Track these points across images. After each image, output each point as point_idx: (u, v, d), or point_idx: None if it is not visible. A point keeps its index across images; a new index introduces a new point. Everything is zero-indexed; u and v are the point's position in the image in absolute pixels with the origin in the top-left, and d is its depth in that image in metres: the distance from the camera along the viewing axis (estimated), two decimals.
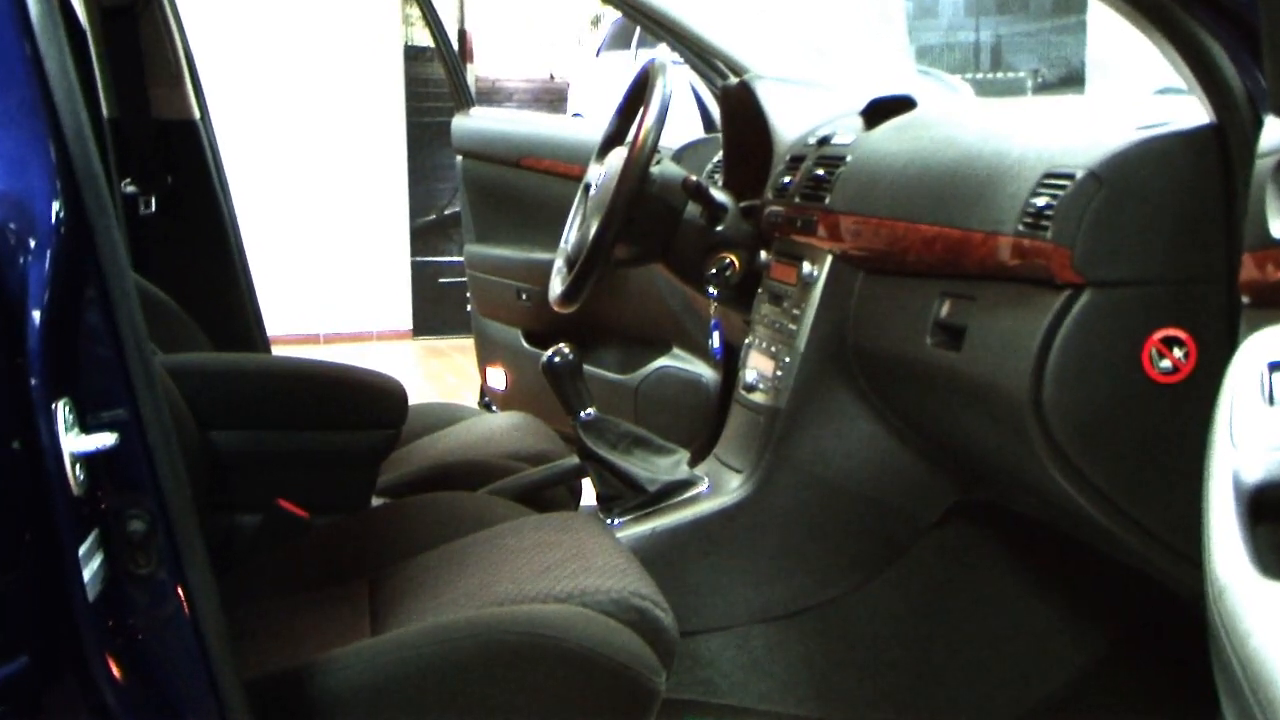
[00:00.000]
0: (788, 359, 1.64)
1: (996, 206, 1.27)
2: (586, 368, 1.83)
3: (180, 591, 0.87)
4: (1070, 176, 1.18)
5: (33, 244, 0.82)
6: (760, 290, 1.79)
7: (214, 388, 1.58)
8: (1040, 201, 1.21)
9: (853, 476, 1.61)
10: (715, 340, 1.88)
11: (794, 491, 1.62)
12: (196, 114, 2.17)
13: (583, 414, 1.68)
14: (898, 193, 1.48)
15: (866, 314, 1.56)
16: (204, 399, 1.53)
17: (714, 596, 1.61)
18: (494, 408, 2.71)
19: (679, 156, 2.31)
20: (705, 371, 2.30)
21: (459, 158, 2.70)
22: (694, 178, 1.80)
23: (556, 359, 1.69)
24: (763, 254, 1.79)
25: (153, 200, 2.13)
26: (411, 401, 1.75)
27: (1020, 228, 1.23)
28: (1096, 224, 1.17)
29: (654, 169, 1.76)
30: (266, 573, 1.42)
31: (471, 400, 3.26)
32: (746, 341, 1.78)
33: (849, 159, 1.61)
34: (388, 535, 1.44)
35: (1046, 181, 1.21)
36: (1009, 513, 1.59)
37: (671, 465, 1.72)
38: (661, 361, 2.39)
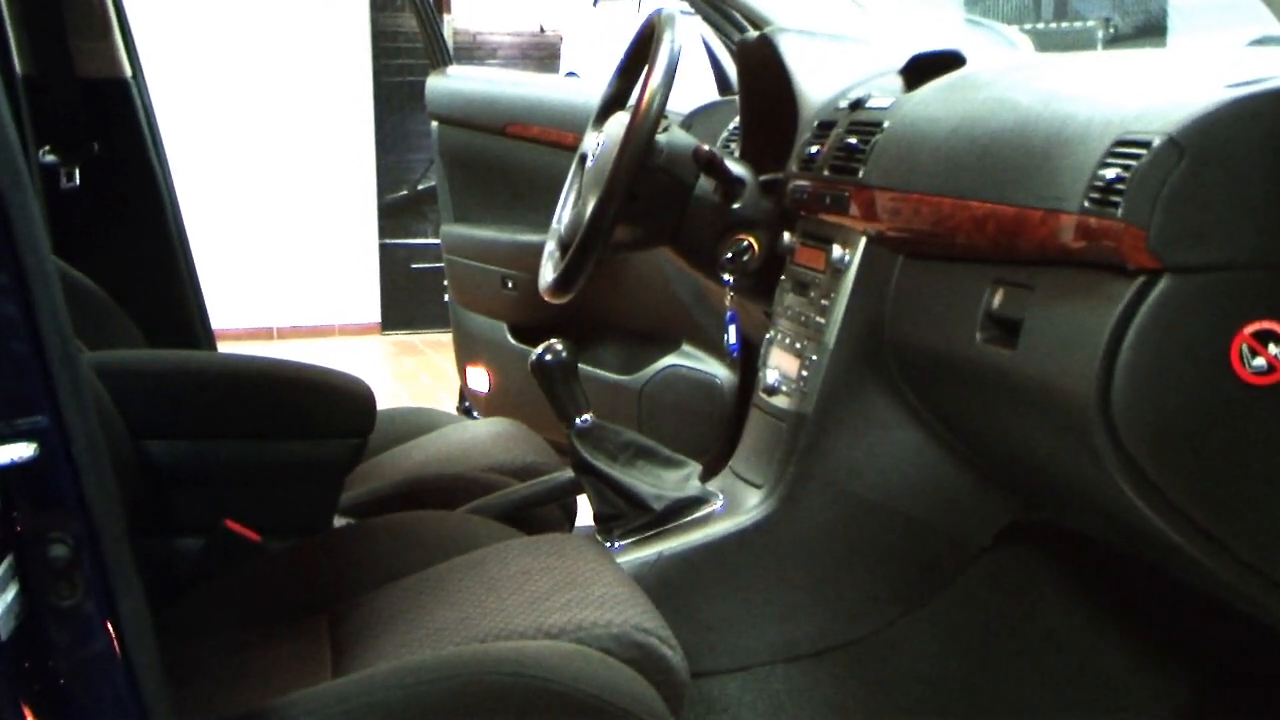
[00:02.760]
0: (815, 357, 1.64)
1: (1059, 180, 1.27)
2: (583, 367, 1.83)
3: (110, 627, 0.87)
4: (1146, 144, 1.18)
5: None
6: (783, 278, 1.78)
7: (150, 391, 1.58)
8: (1110, 173, 1.20)
9: (890, 493, 1.61)
10: (731, 335, 1.88)
11: (822, 510, 1.61)
12: (128, 71, 2.17)
13: (578, 420, 1.69)
14: (943, 164, 1.47)
15: (906, 305, 1.55)
16: (139, 404, 1.53)
17: (730, 632, 1.61)
18: (475, 413, 2.72)
19: (690, 123, 2.31)
20: (719, 372, 2.30)
21: (434, 124, 2.70)
22: (707, 147, 1.80)
23: (548, 357, 1.69)
24: (786, 236, 1.79)
25: (76, 172, 2.13)
26: (380, 406, 1.75)
27: (1086, 204, 1.22)
28: (1176, 199, 1.16)
29: (660, 137, 1.76)
30: (211, 605, 1.42)
31: (449, 405, 3.27)
32: (767, 337, 1.78)
33: (886, 125, 1.61)
34: (352, 561, 1.44)
35: (1118, 150, 1.21)
36: (1073, 536, 1.58)
37: (680, 480, 1.72)
38: (669, 360, 2.40)
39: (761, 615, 1.62)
